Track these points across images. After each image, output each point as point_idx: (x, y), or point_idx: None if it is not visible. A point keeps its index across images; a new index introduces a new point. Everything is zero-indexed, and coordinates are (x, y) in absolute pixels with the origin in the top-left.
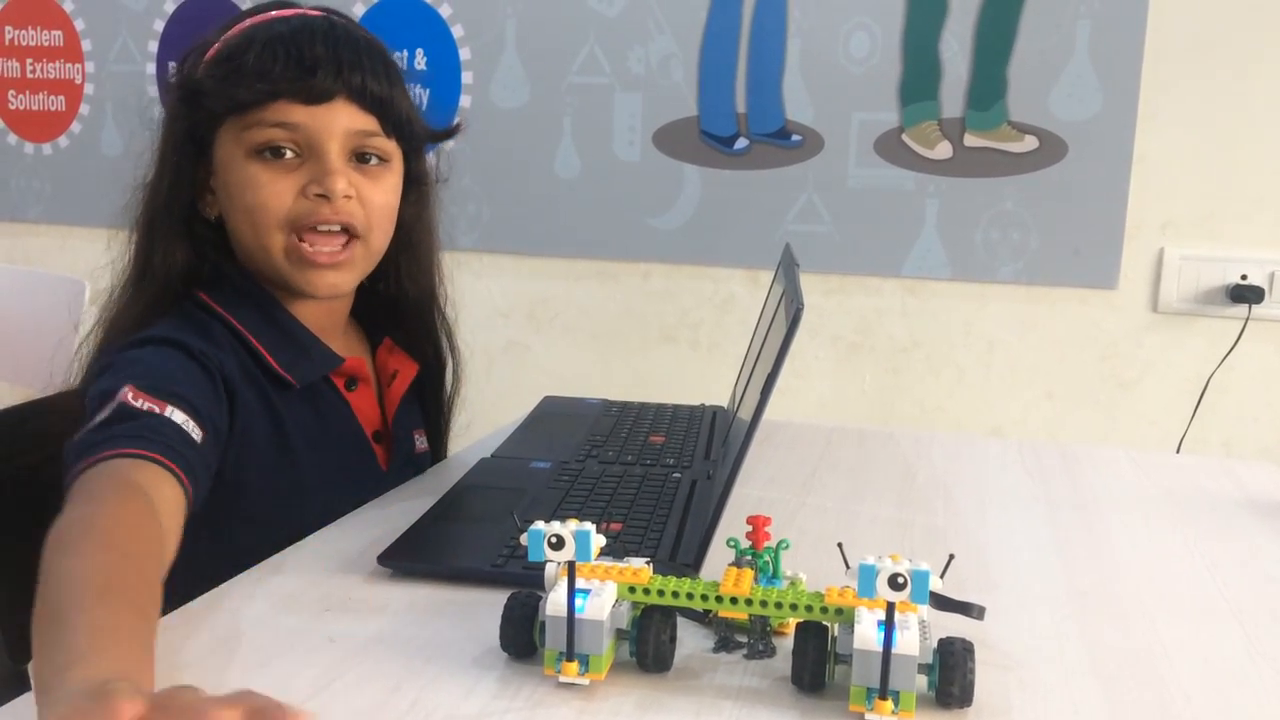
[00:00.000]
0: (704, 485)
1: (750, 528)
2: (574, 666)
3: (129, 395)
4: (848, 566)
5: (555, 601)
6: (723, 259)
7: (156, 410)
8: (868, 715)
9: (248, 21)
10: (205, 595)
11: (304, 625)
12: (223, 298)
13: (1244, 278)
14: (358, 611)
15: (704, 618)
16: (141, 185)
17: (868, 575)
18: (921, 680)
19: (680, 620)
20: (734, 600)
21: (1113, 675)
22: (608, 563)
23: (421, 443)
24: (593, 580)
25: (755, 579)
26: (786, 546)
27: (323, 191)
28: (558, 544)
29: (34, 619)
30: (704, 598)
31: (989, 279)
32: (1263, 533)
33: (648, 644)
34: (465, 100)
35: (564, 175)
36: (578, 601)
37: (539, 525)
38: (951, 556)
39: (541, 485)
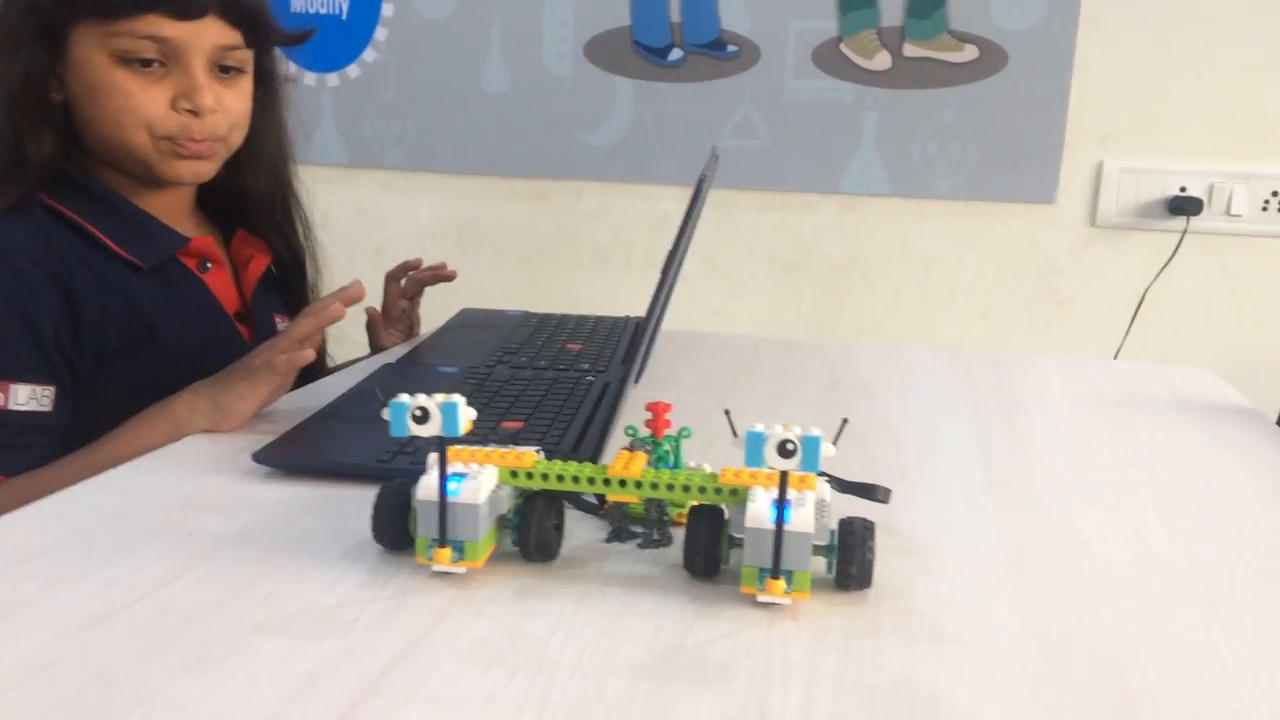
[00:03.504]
0: (616, 389)
1: (650, 415)
2: (447, 553)
3: None
4: (735, 434)
5: (426, 485)
6: (657, 176)
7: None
8: (759, 597)
9: None
10: (65, 490)
11: (162, 521)
12: (57, 193)
13: (1183, 189)
14: (223, 508)
15: (598, 509)
16: None
17: (755, 442)
18: (820, 563)
19: (574, 514)
20: (623, 483)
21: (1023, 559)
22: (492, 449)
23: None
24: (471, 464)
25: (651, 464)
26: (688, 435)
27: (192, 107)
28: (422, 417)
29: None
30: (590, 481)
31: (926, 194)
32: (1192, 431)
33: (530, 530)
34: (388, 9)
35: (492, 89)
36: (451, 485)
37: (403, 398)
38: (845, 421)
39: (445, 388)
